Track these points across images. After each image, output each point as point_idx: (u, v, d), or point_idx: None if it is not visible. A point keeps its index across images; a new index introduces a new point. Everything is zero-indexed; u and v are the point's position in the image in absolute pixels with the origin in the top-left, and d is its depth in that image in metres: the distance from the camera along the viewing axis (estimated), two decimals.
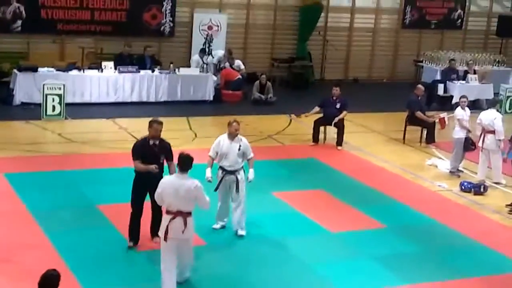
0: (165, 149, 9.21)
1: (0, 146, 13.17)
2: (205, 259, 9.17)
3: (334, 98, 14.82)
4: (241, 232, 9.94)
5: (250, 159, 9.94)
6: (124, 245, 9.31)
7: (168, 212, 8.09)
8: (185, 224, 8.00)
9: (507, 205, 11.66)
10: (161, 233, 8.12)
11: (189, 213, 8.07)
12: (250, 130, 15.17)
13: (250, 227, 10.22)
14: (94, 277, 8.49)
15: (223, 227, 10.11)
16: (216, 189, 9.81)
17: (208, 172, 9.75)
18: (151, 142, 9.15)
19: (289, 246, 9.68)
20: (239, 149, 9.79)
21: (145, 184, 9.07)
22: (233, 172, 9.78)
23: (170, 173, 8.90)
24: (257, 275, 8.84)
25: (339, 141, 14.64)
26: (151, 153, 9.09)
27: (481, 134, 12.77)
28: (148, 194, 9.12)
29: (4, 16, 18.08)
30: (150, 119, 9.32)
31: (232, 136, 9.81)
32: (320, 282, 8.80)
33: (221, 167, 9.83)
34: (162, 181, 8.31)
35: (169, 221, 8.00)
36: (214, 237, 9.80)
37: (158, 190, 8.23)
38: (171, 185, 8.08)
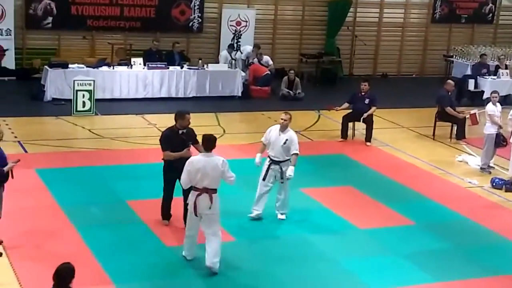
0: (191, 136, 9.70)
1: (31, 142, 13.33)
2: (233, 255, 9.19)
3: (363, 93, 14.75)
4: (281, 216, 10.22)
5: (292, 155, 10.00)
6: (153, 240, 9.39)
7: (195, 189, 8.52)
8: (211, 200, 8.45)
9: None
10: (190, 207, 8.60)
11: (214, 190, 8.50)
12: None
13: (278, 223, 10.24)
14: (122, 270, 8.57)
15: (258, 216, 10.20)
16: (264, 178, 10.06)
17: (258, 157, 10.08)
18: (180, 131, 9.55)
19: (317, 242, 9.67)
20: (284, 143, 9.94)
21: (175, 171, 9.34)
22: (277, 163, 9.99)
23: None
24: (285, 271, 8.84)
25: (368, 137, 14.57)
26: (180, 142, 9.46)
27: None
28: (178, 180, 9.38)
29: (35, 13, 18.29)
30: (176, 110, 9.70)
31: (282, 127, 10.04)
32: (348, 278, 8.77)
33: (268, 156, 10.11)
34: (188, 161, 8.64)
35: (196, 197, 8.49)
36: (243, 234, 9.82)
37: (186, 168, 8.57)
38: (198, 163, 8.49)
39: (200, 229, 8.75)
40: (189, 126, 9.67)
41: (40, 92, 16.47)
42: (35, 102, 16.27)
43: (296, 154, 10.02)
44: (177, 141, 9.49)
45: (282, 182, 10.13)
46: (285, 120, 10.04)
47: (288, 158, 10.03)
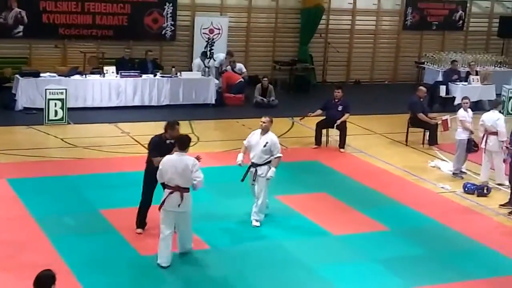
0: None
1: (3, 152, 13.18)
2: (208, 263, 9.17)
3: (336, 100, 14.82)
4: (255, 223, 10.23)
5: (275, 158, 10.12)
6: (127, 249, 9.33)
7: (167, 187, 8.79)
8: (182, 198, 8.70)
9: (500, 206, 11.70)
10: (160, 205, 8.84)
11: (186, 189, 8.75)
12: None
13: (252, 230, 10.23)
14: (97, 280, 8.49)
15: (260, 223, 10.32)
16: (242, 180, 10.22)
17: (239, 156, 10.28)
18: (167, 141, 9.60)
19: (292, 249, 9.68)
20: (265, 145, 10.06)
21: (156, 178, 9.35)
22: (255, 165, 10.12)
23: None
24: (260, 278, 8.83)
25: (342, 144, 14.64)
26: (167, 151, 9.41)
27: (483, 136, 12.75)
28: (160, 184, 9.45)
29: (5, 22, 18.11)
30: (168, 121, 9.79)
31: (263, 131, 10.17)
32: (323, 285, 8.79)
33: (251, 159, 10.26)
34: (163, 159, 8.89)
35: (167, 195, 8.75)
36: (217, 241, 9.79)
37: (159, 167, 8.86)
38: (171, 162, 8.78)
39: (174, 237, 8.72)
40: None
41: (11, 101, 16.30)
42: (6, 111, 16.10)
43: (279, 157, 10.12)
44: (164, 149, 9.45)
45: (252, 184, 10.21)
46: (264, 122, 10.22)
47: (266, 161, 10.11)
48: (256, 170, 10.19)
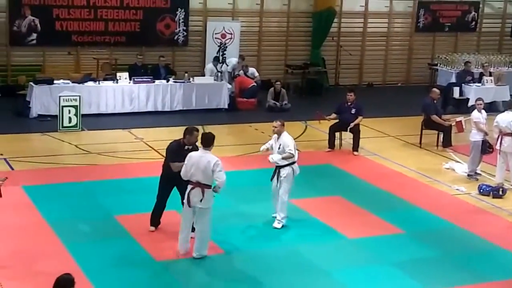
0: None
1: (18, 159, 13.26)
2: (223, 267, 9.19)
3: (349, 103, 14.80)
4: (275, 224, 10.34)
5: (286, 153, 10.28)
6: (143, 255, 9.36)
7: (189, 183, 9.08)
8: (203, 194, 8.96)
9: None
10: (185, 200, 9.18)
11: (207, 186, 9.02)
12: (265, 138, 15.14)
13: (267, 234, 10.23)
14: (113, 286, 8.51)
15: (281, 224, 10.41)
16: (271, 179, 10.46)
17: (263, 146, 10.69)
18: (186, 147, 9.68)
19: (307, 253, 9.66)
20: (279, 148, 10.27)
21: (172, 181, 9.77)
22: (277, 167, 10.36)
23: None
24: (276, 283, 8.82)
25: (355, 147, 14.61)
26: (185, 157, 9.44)
27: (498, 137, 12.68)
28: (176, 188, 9.87)
29: (19, 30, 18.25)
30: (186, 127, 9.94)
31: (277, 135, 10.41)
32: None
33: None
34: (188, 155, 9.21)
35: (189, 190, 9.07)
36: (231, 246, 9.79)
37: (185, 162, 9.16)
38: (194, 158, 9.10)
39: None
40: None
41: (26, 108, 16.40)
42: (21, 118, 16.20)
43: (290, 153, 10.22)
44: (182, 155, 9.50)
45: (276, 185, 10.42)
46: (275, 127, 10.42)
47: (286, 163, 10.30)
48: (279, 172, 10.34)
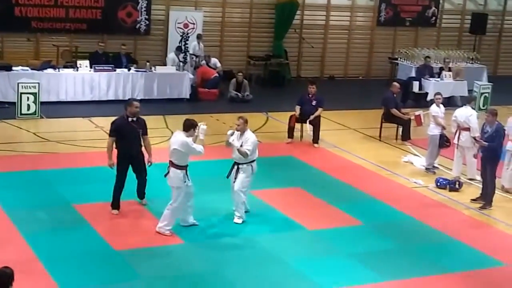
0: (142, 125, 10.43)
1: None
2: (182, 258, 9.18)
3: (310, 95, 14.88)
4: (236, 220, 10.30)
5: (243, 148, 10.19)
6: (101, 244, 9.29)
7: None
8: (168, 171, 9.57)
9: (472, 200, 11.84)
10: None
11: (173, 164, 9.51)
12: (226, 128, 15.13)
13: (227, 225, 10.24)
14: (70, 275, 8.45)
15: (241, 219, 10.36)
16: (227, 176, 10.35)
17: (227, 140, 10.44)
18: (129, 119, 10.20)
19: (266, 244, 9.71)
20: (241, 145, 10.12)
21: (127, 158, 10.29)
22: (237, 164, 10.28)
23: (145, 146, 10.49)
24: (235, 273, 8.85)
25: (315, 139, 14.69)
26: (131, 129, 10.22)
27: (456, 131, 12.88)
28: (130, 165, 10.37)
29: None
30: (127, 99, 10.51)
31: (239, 132, 10.28)
32: (298, 279, 8.83)
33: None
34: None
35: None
36: (191, 236, 9.79)
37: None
38: (172, 138, 9.69)
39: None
40: (138, 114, 10.34)
41: None
42: None
43: (246, 152, 10.10)
44: (127, 128, 10.19)
45: (234, 182, 10.29)
46: (238, 125, 10.31)
47: (246, 161, 10.20)
48: (238, 168, 10.24)
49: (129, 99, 10.98)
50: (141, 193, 10.68)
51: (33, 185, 11.23)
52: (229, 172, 10.39)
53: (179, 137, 9.55)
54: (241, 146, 10.16)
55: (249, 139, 10.23)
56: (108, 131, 13.90)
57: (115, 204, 10.35)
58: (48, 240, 9.32)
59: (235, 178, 10.28)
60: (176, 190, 9.63)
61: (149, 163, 10.47)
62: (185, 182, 9.61)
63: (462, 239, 10.33)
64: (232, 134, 10.31)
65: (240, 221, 10.32)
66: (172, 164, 9.59)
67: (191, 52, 19.02)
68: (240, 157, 10.20)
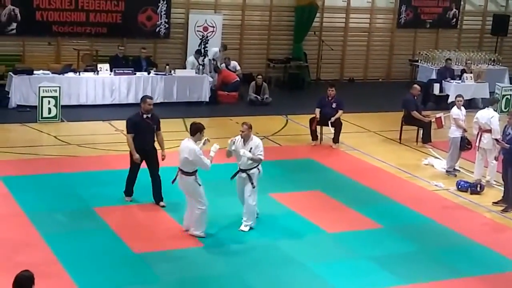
0: (156, 121, 10.81)
1: None
2: (202, 260, 9.19)
3: (330, 98, 14.84)
4: (242, 227, 10.11)
5: (256, 155, 10.00)
6: (121, 247, 9.33)
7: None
8: (181, 178, 9.61)
9: (493, 203, 11.74)
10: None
11: (183, 172, 9.55)
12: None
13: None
14: (90, 278, 8.49)
15: (250, 227, 10.19)
16: (231, 178, 10.26)
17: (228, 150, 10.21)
18: (144, 116, 10.62)
19: (286, 247, 9.69)
20: (249, 150, 9.95)
21: (142, 152, 10.60)
22: (244, 171, 10.07)
23: (158, 141, 10.80)
24: (255, 276, 8.84)
25: (336, 139, 14.63)
26: (146, 125, 10.62)
27: (478, 133, 12.77)
28: (145, 161, 10.73)
29: None
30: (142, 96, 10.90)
31: (244, 138, 10.04)
32: (317, 282, 8.80)
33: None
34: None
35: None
36: (211, 240, 9.79)
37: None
38: (181, 145, 9.64)
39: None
40: (153, 111, 10.79)
41: (5, 98, 16.26)
42: (0, 109, 16.06)
43: (260, 157, 9.98)
44: (142, 124, 10.60)
45: (253, 187, 10.05)
46: (242, 131, 10.04)
47: (252, 166, 10.02)
48: (248, 175, 10.03)
49: (143, 96, 11.28)
50: (158, 195, 10.77)
51: (54, 188, 11.31)
52: (233, 176, 10.17)
53: (188, 144, 9.53)
54: (250, 151, 9.89)
55: (258, 144, 10.00)
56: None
57: (128, 191, 10.87)
58: (69, 243, 9.38)
59: (244, 185, 10.06)
60: (195, 193, 9.64)
61: (163, 157, 10.69)
62: (200, 185, 9.62)
63: (483, 242, 10.24)
64: (233, 144, 10.01)
65: (247, 228, 10.10)
66: (182, 171, 9.59)
67: (210, 58, 18.98)
68: (248, 164, 9.98)
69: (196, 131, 9.60)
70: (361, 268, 9.22)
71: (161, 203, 10.75)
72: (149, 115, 10.67)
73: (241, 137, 10.05)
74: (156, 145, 10.90)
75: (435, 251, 9.91)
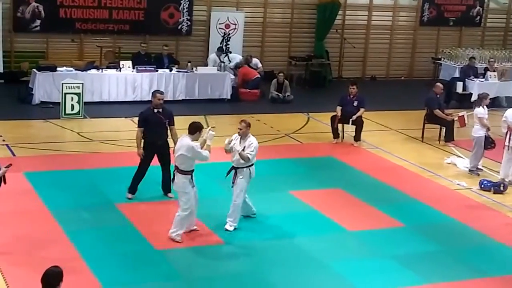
0: (168, 115, 10.81)
1: (20, 145, 13.28)
2: (223, 258, 9.22)
3: (351, 96, 14.79)
4: (227, 226, 9.94)
5: (245, 152, 9.79)
6: (143, 243, 9.38)
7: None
8: (176, 177, 9.41)
9: None
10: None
11: (178, 169, 9.37)
12: (267, 129, 15.23)
13: (268, 226, 10.23)
14: (112, 274, 8.54)
15: (233, 226, 10.01)
16: (226, 176, 10.11)
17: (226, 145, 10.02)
18: (155, 110, 10.68)
19: (307, 245, 9.67)
20: (243, 150, 9.83)
21: (153, 149, 10.68)
22: (235, 168, 9.96)
23: (172, 136, 10.70)
24: (275, 274, 8.83)
25: (357, 136, 14.59)
26: (157, 120, 10.65)
27: (507, 132, 12.58)
28: (156, 156, 10.77)
29: (23, 16, 18.23)
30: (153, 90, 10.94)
31: (242, 136, 9.95)
32: (338, 281, 8.78)
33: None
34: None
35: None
36: (231, 237, 9.81)
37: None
38: (177, 144, 9.55)
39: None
40: (163, 105, 10.80)
41: (28, 95, 16.41)
42: (23, 105, 16.21)
43: (248, 156, 9.75)
44: (153, 119, 10.67)
45: (232, 187, 9.96)
46: (240, 129, 9.94)
47: (244, 165, 9.87)
48: (236, 173, 9.92)
49: (154, 91, 11.26)
50: (166, 187, 10.85)
51: (76, 185, 11.39)
52: (228, 172, 10.05)
53: (185, 142, 9.36)
54: (243, 150, 9.78)
55: (253, 143, 9.86)
56: None
57: (132, 189, 10.81)
58: (91, 239, 9.44)
59: (233, 183, 9.93)
60: (184, 195, 9.41)
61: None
62: (192, 187, 9.43)
63: (505, 242, 10.15)
64: (230, 142, 9.89)
65: (232, 228, 9.93)
66: (177, 169, 9.40)
67: (231, 66, 18.79)
68: (239, 162, 9.84)
69: (195, 130, 9.46)
70: (383, 267, 9.18)
71: (169, 195, 10.83)
72: (160, 110, 10.71)
73: (239, 135, 9.95)
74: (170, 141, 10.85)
75: (457, 250, 9.84)
